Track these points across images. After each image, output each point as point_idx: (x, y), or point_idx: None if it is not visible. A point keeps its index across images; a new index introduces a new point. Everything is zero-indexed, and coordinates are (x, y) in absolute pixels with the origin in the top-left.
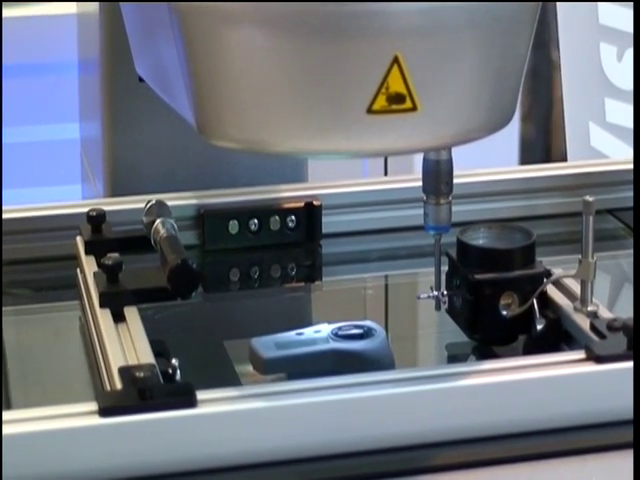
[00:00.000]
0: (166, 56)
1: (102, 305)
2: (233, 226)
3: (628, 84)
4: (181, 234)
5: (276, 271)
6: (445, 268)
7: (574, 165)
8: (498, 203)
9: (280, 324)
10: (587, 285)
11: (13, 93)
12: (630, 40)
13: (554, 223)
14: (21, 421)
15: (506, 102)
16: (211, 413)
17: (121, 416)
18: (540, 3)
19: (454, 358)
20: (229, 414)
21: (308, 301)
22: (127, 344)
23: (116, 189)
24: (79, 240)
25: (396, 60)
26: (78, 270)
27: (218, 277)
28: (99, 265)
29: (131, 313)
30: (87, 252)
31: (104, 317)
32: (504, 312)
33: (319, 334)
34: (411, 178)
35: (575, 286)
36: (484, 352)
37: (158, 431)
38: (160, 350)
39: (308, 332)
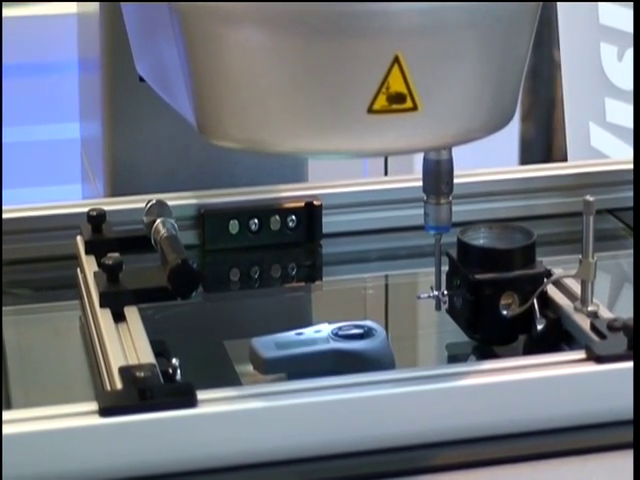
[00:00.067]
0: (166, 56)
1: (102, 305)
2: (233, 226)
3: (628, 84)
4: (181, 234)
5: (276, 271)
6: (445, 268)
7: (574, 165)
8: (498, 203)
9: (280, 324)
10: (587, 285)
11: (13, 93)
12: (630, 40)
13: (554, 223)
14: (21, 421)
15: (506, 102)
16: (211, 413)
17: (121, 416)
18: (540, 3)
19: (454, 358)
20: (229, 414)
21: (308, 301)
22: (127, 344)
23: (116, 189)
24: (79, 240)
25: (396, 60)
26: (78, 270)
27: (218, 277)
28: (99, 265)
29: (131, 313)
30: (87, 252)
31: (104, 317)
32: (504, 312)
33: (319, 334)
34: (411, 178)
35: (575, 286)
36: (484, 352)
37: (158, 431)
38: (160, 350)
39: (308, 332)
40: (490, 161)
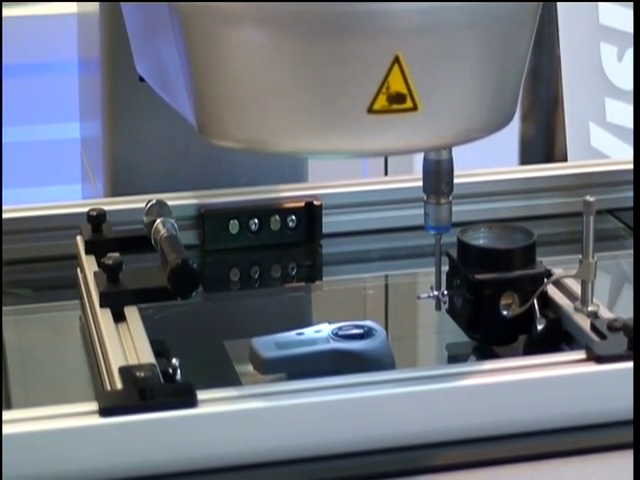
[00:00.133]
0: (167, 55)
1: (102, 305)
2: (233, 226)
3: (628, 84)
4: (181, 234)
5: (276, 271)
6: (445, 268)
7: (574, 165)
8: (498, 203)
9: (280, 324)
10: (587, 285)
11: (13, 93)
12: (630, 40)
13: (554, 223)
14: (21, 421)
15: (507, 102)
16: (211, 413)
17: (121, 416)
18: (541, 3)
19: (454, 358)
20: (229, 414)
21: (308, 301)
22: (127, 344)
23: (116, 189)
24: (79, 240)
25: (397, 60)
26: (78, 270)
27: (218, 277)
28: (99, 265)
29: (131, 313)
30: (87, 252)
31: (104, 317)
32: (504, 312)
33: (319, 334)
34: (411, 178)
35: (575, 286)
36: (484, 352)
37: (158, 431)
38: (160, 350)
39: (308, 332)
40: (490, 161)
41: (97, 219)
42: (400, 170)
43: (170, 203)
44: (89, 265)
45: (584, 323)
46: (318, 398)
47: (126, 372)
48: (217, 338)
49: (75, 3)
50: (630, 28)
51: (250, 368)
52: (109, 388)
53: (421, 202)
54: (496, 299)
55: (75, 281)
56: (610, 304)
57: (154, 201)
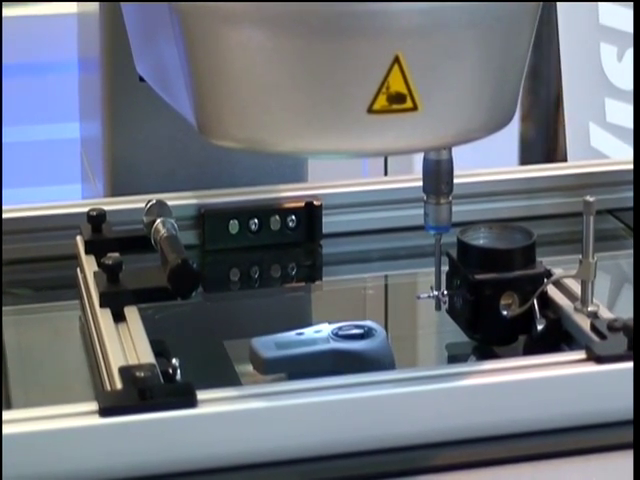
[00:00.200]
0: (167, 55)
1: (102, 305)
2: (233, 226)
3: (628, 84)
4: (181, 234)
5: (276, 271)
6: (445, 268)
7: (574, 165)
8: (498, 203)
9: (280, 324)
10: (587, 285)
11: (13, 93)
12: (630, 40)
13: (554, 223)
14: (21, 421)
15: (507, 102)
16: (211, 413)
17: (121, 416)
18: (541, 3)
19: (454, 358)
20: (229, 414)
21: (308, 301)
22: (127, 344)
23: (116, 189)
24: (79, 240)
25: (397, 60)
26: (78, 270)
27: (218, 277)
28: (99, 265)
29: (131, 313)
30: (87, 252)
31: (104, 317)
32: (504, 312)
33: (319, 334)
34: (411, 178)
35: (575, 286)
36: (484, 352)
37: (158, 431)
38: (160, 350)
39: (308, 332)
40: (490, 161)
41: (97, 219)
42: (400, 170)
43: (170, 203)
44: (89, 265)
45: (584, 323)
46: (318, 398)
47: (126, 372)
48: (217, 338)
49: (75, 3)
50: (630, 28)
51: (250, 368)
52: (109, 388)
53: (421, 202)
54: (496, 299)
55: (75, 281)
56: (610, 304)
57: (154, 201)
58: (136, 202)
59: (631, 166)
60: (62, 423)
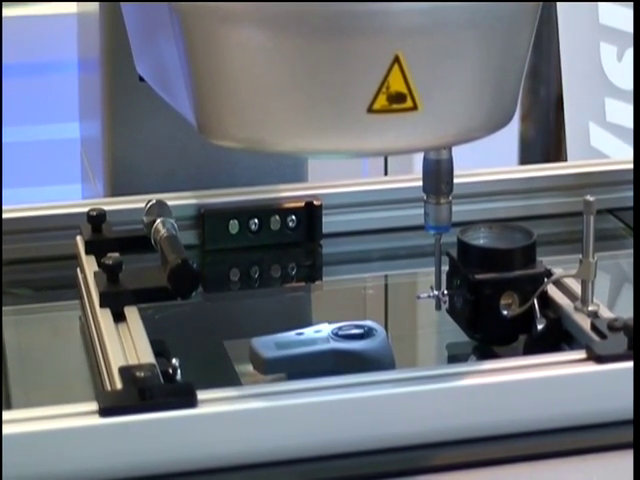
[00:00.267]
0: (166, 55)
1: (102, 305)
2: (233, 226)
3: (628, 84)
4: (181, 234)
5: (276, 271)
6: (445, 268)
7: (574, 165)
8: (498, 203)
9: (280, 324)
10: (588, 285)
11: (13, 92)
12: (630, 40)
13: (554, 223)
14: (21, 421)
15: (507, 101)
16: (211, 413)
17: (121, 416)
18: (540, 3)
19: (454, 358)
20: (229, 414)
21: (308, 301)
22: (127, 344)
23: (116, 189)
24: (79, 240)
25: (397, 59)
26: (78, 270)
27: (218, 277)
28: (99, 265)
29: (131, 313)
30: (87, 252)
31: (104, 317)
32: (504, 312)
33: (319, 334)
34: (411, 178)
35: (576, 286)
36: (484, 352)
37: (158, 431)
38: (160, 350)
39: (308, 332)
40: (490, 161)
41: (97, 219)
42: (400, 170)
43: (170, 203)
44: (89, 265)
45: (584, 323)
46: (318, 398)
47: (126, 372)
48: (217, 338)
49: (75, 3)
50: (630, 28)
51: (250, 368)
52: (109, 388)
53: (421, 202)
54: (496, 299)
55: (75, 281)
56: (610, 304)
57: (154, 201)
58: (136, 202)
59: (631, 166)
60: (62, 423)
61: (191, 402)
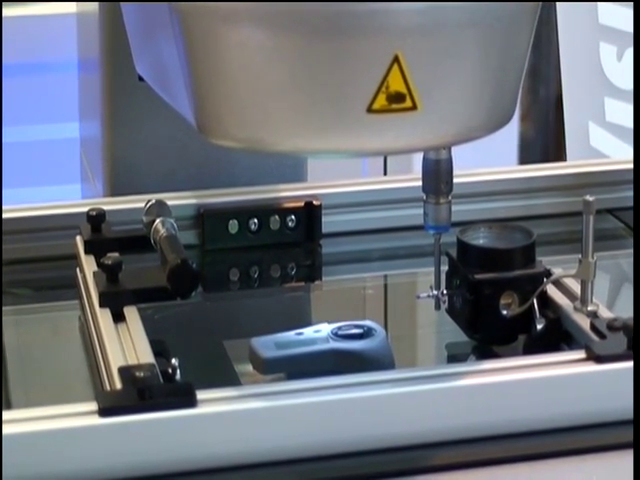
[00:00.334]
0: (166, 55)
1: (102, 305)
2: (233, 226)
3: (628, 84)
4: (181, 234)
5: (276, 271)
6: (445, 268)
7: (574, 165)
8: (498, 203)
9: (280, 324)
10: (587, 285)
11: (13, 92)
12: (630, 40)
13: (554, 223)
14: (21, 421)
15: (506, 101)
16: (211, 413)
17: (121, 416)
18: (540, 3)
19: (454, 358)
20: (229, 414)
21: (308, 301)
22: (127, 344)
23: (116, 189)
24: (79, 240)
25: (396, 59)
26: (78, 270)
27: (218, 277)
28: (99, 265)
29: (131, 313)
30: (87, 252)
31: (104, 317)
32: (504, 312)
33: (319, 334)
34: (411, 178)
35: (575, 286)
36: (484, 352)
37: (158, 431)
38: (160, 350)
39: (308, 332)
40: (489, 161)
41: (96, 219)
42: (399, 170)
43: (169, 203)
44: (88, 265)
45: (584, 323)
46: (317, 398)
47: (125, 372)
48: (216, 338)
49: (74, 3)
50: (630, 28)
51: (250, 368)
52: (108, 388)
53: (420, 202)
54: (496, 299)
55: (74, 281)
56: (610, 304)
57: (153, 201)
58: (136, 202)
59: (631, 165)
60: (62, 423)
61: (191, 402)
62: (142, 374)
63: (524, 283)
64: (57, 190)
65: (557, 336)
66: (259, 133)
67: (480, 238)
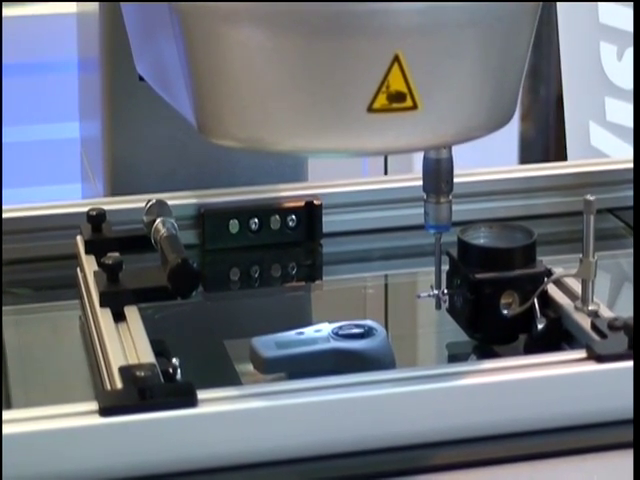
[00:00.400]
0: (166, 55)
1: (102, 304)
2: (233, 225)
3: (628, 83)
4: (181, 233)
5: (276, 270)
6: (445, 267)
7: (574, 164)
8: (498, 202)
9: (280, 323)
10: (588, 284)
11: (13, 92)
12: (630, 39)
13: (554, 222)
14: (21, 421)
15: (506, 101)
16: (211, 413)
17: (121, 416)
18: (541, 3)
19: (455, 357)
20: (229, 414)
21: (308, 300)
22: (127, 343)
23: (116, 188)
24: (79, 239)
25: (397, 59)
26: (78, 269)
27: (218, 276)
28: (99, 264)
29: (131, 312)
30: (87, 251)
31: (104, 316)
32: (505, 311)
33: (319, 333)
34: (411, 177)
35: (576, 285)
36: (485, 351)
37: (158, 431)
38: (160, 349)
39: (308, 331)
40: (490, 160)
41: (97, 219)
42: (400, 169)
43: (170, 203)
44: (89, 265)
45: (584, 322)
46: (318, 397)
47: (126, 372)
48: (217, 338)
49: (74, 3)
50: (630, 27)
51: (250, 367)
52: (109, 388)
53: (421, 201)
54: (496, 298)
55: (75, 281)
56: (610, 303)
57: (154, 201)
58: (136, 202)
59: (631, 165)
60: (62, 423)
61: (191, 402)
62: (143, 374)
63: (525, 283)
64: (57, 190)
65: (558, 336)
66: (259, 133)
67: (481, 238)
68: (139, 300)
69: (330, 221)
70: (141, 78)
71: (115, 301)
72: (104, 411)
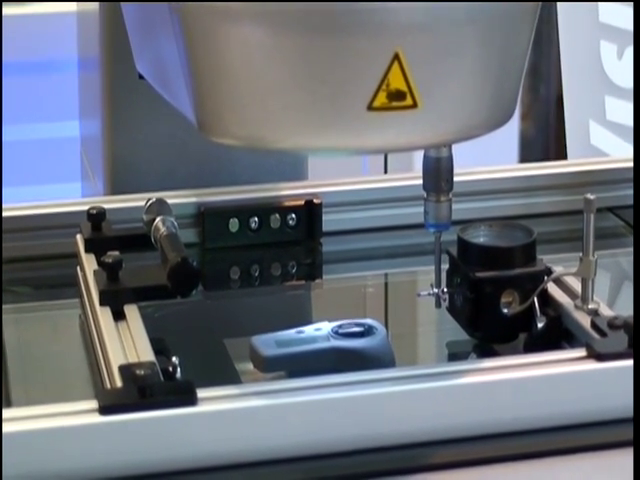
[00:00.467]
0: (166, 53)
1: (102, 303)
2: (233, 224)
3: (628, 82)
4: (181, 232)
5: (276, 269)
6: (445, 266)
7: (574, 163)
8: (498, 201)
9: (280, 322)
10: (588, 283)
11: (13, 91)
12: (630, 38)
13: (554, 221)
14: (21, 419)
15: (507, 99)
16: (211, 411)
17: (121, 414)
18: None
19: (455, 356)
20: (229, 412)
21: (308, 299)
22: (127, 342)
23: (116, 187)
24: (79, 238)
25: (396, 57)
26: (78, 268)
27: (218, 275)
28: (99, 263)
29: (131, 311)
30: (87, 250)
31: (104, 315)
32: (505, 310)
33: (319, 332)
34: (411, 176)
35: (576, 284)
36: (485, 350)
37: (158, 429)
38: (160, 348)
39: (308, 330)
40: (490, 159)
41: (97, 217)
42: (400, 168)
43: (170, 201)
44: (89, 263)
45: (584, 321)
46: (318, 396)
47: (126, 370)
48: (217, 336)
49: (74, 2)
50: (630, 26)
51: (250, 366)
52: (109, 386)
53: (421, 200)
54: (496, 297)
55: (75, 279)
56: (610, 302)
57: (154, 199)
58: (136, 200)
59: (631, 164)
60: (62, 421)
61: (191, 400)
62: (142, 372)
63: (525, 281)
64: (57, 188)
65: (558, 334)
66: (259, 131)
67: (481, 236)
68: (139, 299)
69: (330, 220)
70: (141, 77)
71: (115, 300)
72: (104, 409)
